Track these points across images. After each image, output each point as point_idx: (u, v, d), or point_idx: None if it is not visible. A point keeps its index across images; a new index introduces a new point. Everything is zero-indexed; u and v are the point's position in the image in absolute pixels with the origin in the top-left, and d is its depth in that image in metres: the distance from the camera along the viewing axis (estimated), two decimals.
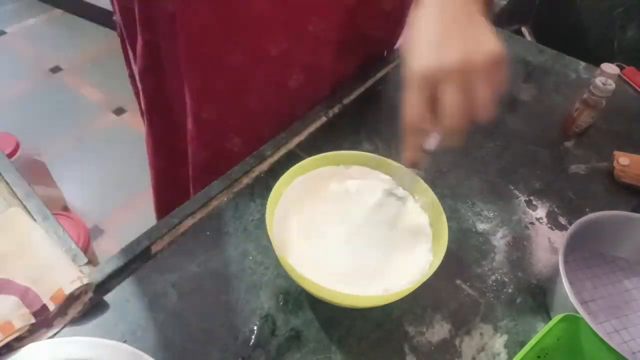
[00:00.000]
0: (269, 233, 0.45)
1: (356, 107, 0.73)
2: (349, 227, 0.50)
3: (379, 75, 0.78)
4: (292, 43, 0.63)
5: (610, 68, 0.69)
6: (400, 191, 0.52)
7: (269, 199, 0.48)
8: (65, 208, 1.58)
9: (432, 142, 0.43)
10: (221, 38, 0.60)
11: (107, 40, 2.45)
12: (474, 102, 0.40)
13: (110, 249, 1.56)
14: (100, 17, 2.49)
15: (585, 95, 0.68)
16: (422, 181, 0.51)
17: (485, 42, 0.40)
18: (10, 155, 1.28)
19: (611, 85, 0.67)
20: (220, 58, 0.62)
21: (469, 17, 0.41)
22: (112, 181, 1.78)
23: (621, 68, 0.81)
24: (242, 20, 0.59)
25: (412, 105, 0.41)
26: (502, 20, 1.06)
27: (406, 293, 0.44)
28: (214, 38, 0.60)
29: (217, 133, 0.70)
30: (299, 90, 0.68)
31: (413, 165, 0.46)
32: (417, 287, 0.43)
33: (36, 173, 1.45)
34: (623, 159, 0.65)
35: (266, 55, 0.63)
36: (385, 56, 0.81)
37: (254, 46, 0.62)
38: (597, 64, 0.74)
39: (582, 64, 0.85)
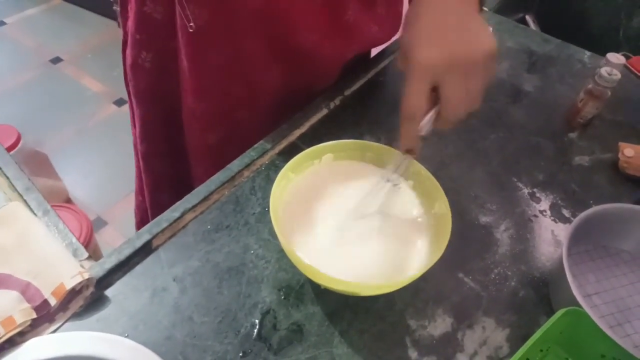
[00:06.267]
0: (274, 224, 0.45)
1: (357, 99, 0.72)
2: (350, 219, 0.50)
3: (381, 66, 0.77)
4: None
5: (615, 58, 0.68)
6: (401, 180, 0.52)
7: (272, 192, 0.47)
8: (68, 200, 1.58)
9: (425, 127, 0.45)
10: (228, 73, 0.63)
11: (107, 31, 2.44)
12: (471, 93, 0.43)
13: (113, 241, 1.56)
14: (100, 6, 2.47)
15: (590, 86, 0.68)
16: (424, 169, 0.51)
17: (483, 36, 0.42)
18: (11, 148, 1.28)
19: (616, 75, 0.66)
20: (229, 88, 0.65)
21: (466, 8, 0.43)
22: (115, 172, 1.78)
23: (627, 58, 0.80)
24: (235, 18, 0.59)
25: (413, 95, 0.43)
26: (506, 9, 1.05)
27: (414, 278, 0.43)
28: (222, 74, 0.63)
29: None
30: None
31: (409, 151, 0.47)
32: (427, 270, 0.43)
33: (38, 165, 1.45)
34: (628, 151, 0.64)
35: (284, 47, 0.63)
36: (386, 48, 0.81)
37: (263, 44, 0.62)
38: (602, 53, 0.73)
39: (587, 53, 0.84)
